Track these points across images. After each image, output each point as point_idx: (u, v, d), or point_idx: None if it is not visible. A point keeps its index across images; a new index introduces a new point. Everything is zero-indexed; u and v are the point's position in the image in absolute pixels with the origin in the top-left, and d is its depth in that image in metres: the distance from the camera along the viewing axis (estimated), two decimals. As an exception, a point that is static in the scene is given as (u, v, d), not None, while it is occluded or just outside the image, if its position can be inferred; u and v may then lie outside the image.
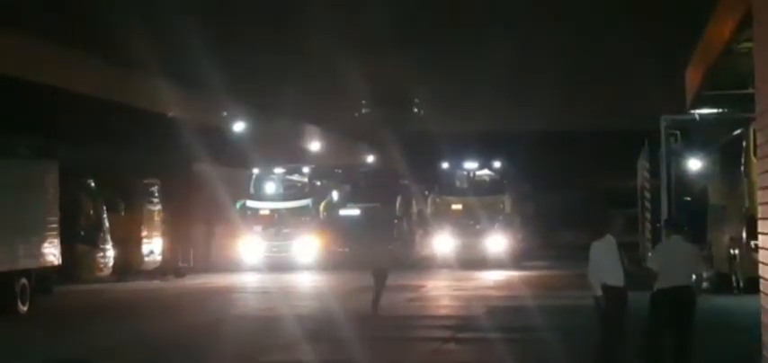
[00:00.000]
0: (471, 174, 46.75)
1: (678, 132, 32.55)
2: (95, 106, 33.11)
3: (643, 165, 36.44)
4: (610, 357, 14.29)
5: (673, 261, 13.93)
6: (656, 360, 13.87)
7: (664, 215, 29.59)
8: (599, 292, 14.17)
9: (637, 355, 14.06)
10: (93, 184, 35.43)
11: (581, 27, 28.21)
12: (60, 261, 26.80)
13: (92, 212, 34.88)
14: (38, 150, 27.45)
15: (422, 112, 45.15)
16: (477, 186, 46.22)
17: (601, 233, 14.53)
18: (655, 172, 33.59)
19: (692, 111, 32.07)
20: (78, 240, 33.24)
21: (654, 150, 33.61)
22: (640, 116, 35.16)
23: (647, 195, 35.18)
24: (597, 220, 15.79)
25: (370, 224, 45.54)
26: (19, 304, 24.76)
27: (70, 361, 17.74)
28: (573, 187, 62.70)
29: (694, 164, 33.23)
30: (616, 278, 14.23)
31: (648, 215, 34.67)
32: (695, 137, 33.23)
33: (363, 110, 48.09)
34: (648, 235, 34.07)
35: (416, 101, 43.70)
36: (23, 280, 24.96)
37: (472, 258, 42.96)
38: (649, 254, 21.55)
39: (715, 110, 31.26)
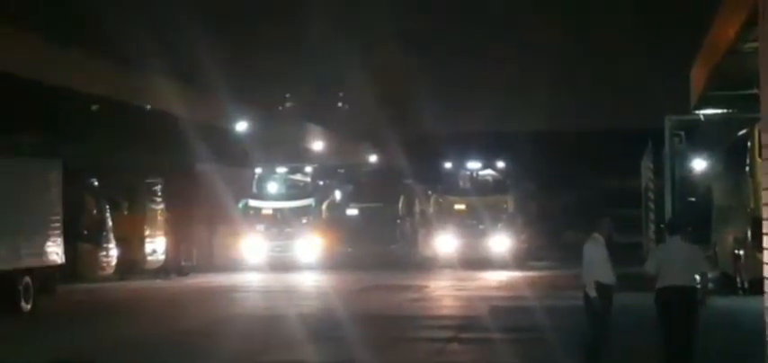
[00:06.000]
0: (474, 174, 46.66)
1: (683, 132, 32.42)
2: (99, 105, 33.10)
3: (647, 165, 36.32)
4: (594, 354, 14.48)
5: (672, 262, 13.98)
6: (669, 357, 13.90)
7: (668, 215, 29.54)
8: (593, 292, 14.44)
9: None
10: (96, 183, 35.41)
11: (586, 26, 28.23)
12: (63, 260, 26.72)
13: (95, 211, 34.87)
14: (41, 149, 27.41)
15: (346, 107, 45.18)
16: (480, 186, 46.10)
17: (590, 233, 14.87)
18: (658, 173, 33.50)
19: (697, 112, 31.97)
20: (81, 239, 33.27)
21: (658, 150, 33.52)
22: (645, 116, 35.13)
23: (651, 195, 35.07)
24: (587, 221, 16.04)
25: (373, 224, 45.54)
26: (22, 302, 24.71)
27: (72, 360, 17.69)
28: (577, 187, 62.57)
29: (699, 165, 33.12)
30: (607, 277, 14.56)
31: (652, 215, 34.56)
32: (700, 137, 33.09)
33: (287, 104, 48.09)
34: (652, 236, 33.98)
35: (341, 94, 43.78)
36: (26, 279, 24.90)
37: (475, 258, 42.87)
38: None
39: (720, 111, 31.15)
